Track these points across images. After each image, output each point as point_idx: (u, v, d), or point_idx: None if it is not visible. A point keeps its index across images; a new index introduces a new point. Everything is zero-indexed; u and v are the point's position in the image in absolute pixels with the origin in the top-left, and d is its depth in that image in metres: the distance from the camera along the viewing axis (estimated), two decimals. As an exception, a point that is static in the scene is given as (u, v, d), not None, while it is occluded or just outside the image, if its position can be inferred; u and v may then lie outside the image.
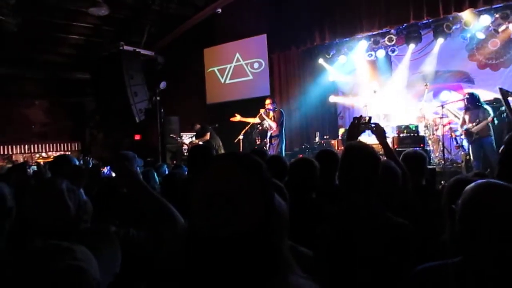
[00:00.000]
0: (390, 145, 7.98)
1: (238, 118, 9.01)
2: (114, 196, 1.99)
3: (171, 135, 9.72)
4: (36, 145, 10.85)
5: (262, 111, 8.52)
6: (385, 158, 2.84)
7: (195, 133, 9.95)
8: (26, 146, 10.35)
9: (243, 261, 0.98)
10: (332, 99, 11.15)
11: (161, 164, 5.76)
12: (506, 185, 1.39)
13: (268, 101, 8.63)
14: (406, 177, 2.72)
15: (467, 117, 7.50)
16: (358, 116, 3.09)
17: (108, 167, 2.18)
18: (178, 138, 9.93)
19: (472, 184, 1.43)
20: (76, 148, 11.33)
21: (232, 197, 0.99)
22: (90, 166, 3.34)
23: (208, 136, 9.51)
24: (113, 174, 2.21)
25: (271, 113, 8.49)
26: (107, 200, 2.01)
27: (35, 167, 2.86)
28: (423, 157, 3.32)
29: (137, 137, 10.85)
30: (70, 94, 11.49)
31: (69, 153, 10.16)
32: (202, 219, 1.00)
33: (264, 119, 8.53)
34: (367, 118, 3.07)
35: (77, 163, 3.52)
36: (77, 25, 10.06)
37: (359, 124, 3.04)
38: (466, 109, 7.57)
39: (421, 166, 3.22)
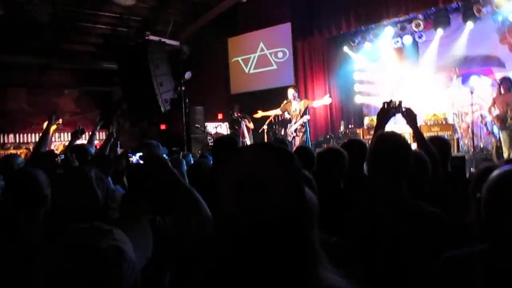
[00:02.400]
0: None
1: (260, 114, 9.02)
2: (143, 183, 2.03)
3: (196, 125, 9.79)
4: (66, 134, 11.11)
5: (287, 102, 8.49)
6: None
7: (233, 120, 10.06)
8: (57, 135, 10.59)
9: (273, 250, 0.96)
10: (358, 99, 11.03)
11: (186, 154, 5.83)
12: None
13: (292, 91, 8.57)
14: (436, 164, 2.68)
15: (499, 102, 7.27)
16: (388, 101, 3.04)
17: (137, 155, 2.22)
18: (203, 129, 10.01)
19: (498, 170, 1.41)
20: (104, 137, 11.55)
21: (264, 182, 0.96)
22: (118, 154, 3.41)
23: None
24: (141, 162, 2.24)
25: (297, 103, 8.43)
26: (136, 188, 2.05)
27: (62, 156, 2.90)
28: (446, 143, 3.26)
29: (162, 126, 10.98)
30: (98, 83, 11.71)
31: (97, 142, 10.38)
32: (233, 205, 0.98)
33: (288, 110, 8.50)
34: (397, 102, 2.99)
35: (93, 152, 3.59)
36: (103, 15, 10.19)
37: (389, 109, 2.99)
38: (499, 93, 7.33)
39: (445, 152, 3.15)
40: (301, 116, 8.31)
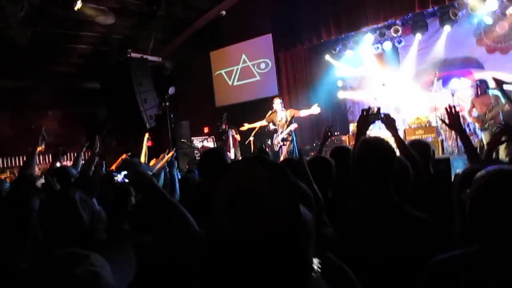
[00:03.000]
0: (402, 136, 7.99)
1: (246, 127, 9.02)
2: (128, 202, 2.02)
3: (182, 140, 9.77)
4: (51, 156, 10.99)
5: (272, 112, 8.52)
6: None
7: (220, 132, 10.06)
8: (41, 157, 10.46)
9: (267, 267, 0.92)
10: (341, 94, 11.12)
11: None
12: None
13: (278, 101, 8.59)
14: (418, 168, 2.70)
15: (477, 104, 7.43)
16: (366, 108, 3.07)
17: (122, 174, 2.19)
18: (189, 143, 9.99)
19: (483, 171, 1.42)
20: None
21: (259, 197, 0.92)
22: (103, 173, 3.38)
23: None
24: (126, 181, 2.22)
25: (284, 112, 8.45)
26: (122, 207, 2.04)
27: (43, 180, 2.82)
28: (427, 146, 3.29)
29: (149, 143, 10.91)
30: (81, 103, 11.61)
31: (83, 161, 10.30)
32: (227, 220, 0.93)
33: (273, 121, 8.52)
34: (375, 109, 3.03)
35: (73, 172, 3.53)
36: (84, 35, 10.17)
37: (368, 116, 3.02)
38: (477, 95, 7.49)
39: (426, 155, 3.18)
40: (288, 125, 8.34)
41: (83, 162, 4.29)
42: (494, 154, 6.10)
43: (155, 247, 1.60)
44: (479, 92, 7.45)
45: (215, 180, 1.01)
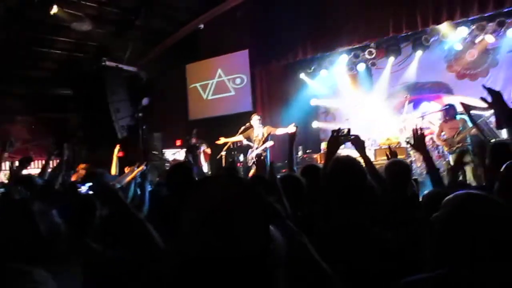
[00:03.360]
0: (373, 157, 8.11)
1: (222, 141, 8.96)
2: (92, 215, 1.96)
3: (154, 152, 9.65)
4: (18, 163, 10.67)
5: (248, 127, 8.50)
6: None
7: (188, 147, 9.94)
8: (8, 164, 10.15)
9: (237, 285, 0.91)
10: (314, 102, 11.23)
11: (143, 181, 5.70)
12: (485, 195, 1.41)
13: (257, 117, 8.59)
14: (385, 190, 2.73)
15: (446, 128, 7.63)
16: (336, 129, 3.09)
17: (86, 185, 2.12)
18: (161, 155, 9.87)
19: (452, 195, 1.44)
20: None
21: (230, 215, 0.92)
22: (68, 184, 3.28)
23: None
24: (91, 193, 2.16)
25: (261, 129, 8.46)
26: (85, 220, 1.98)
27: (2, 189, 2.72)
28: (406, 167, 3.33)
29: (120, 154, 10.72)
30: (52, 110, 11.35)
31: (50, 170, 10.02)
32: (197, 238, 0.93)
33: (250, 136, 8.50)
34: (345, 130, 3.06)
35: (39, 182, 3.41)
36: (59, 40, 10.00)
37: (338, 137, 3.05)
38: (445, 120, 7.69)
39: (404, 177, 3.22)
40: (264, 142, 8.35)
41: (50, 170, 4.16)
42: (461, 176, 6.27)
43: (118, 262, 1.56)
44: (447, 117, 7.65)
45: (183, 196, 1.00)
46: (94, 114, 9.70)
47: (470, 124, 7.32)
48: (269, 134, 8.43)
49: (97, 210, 1.98)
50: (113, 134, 9.44)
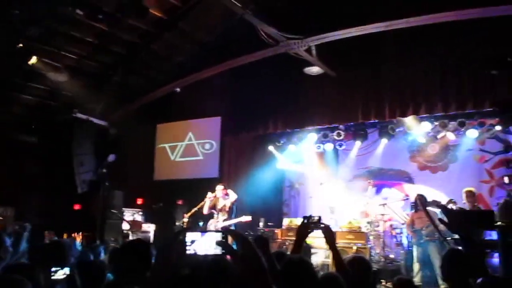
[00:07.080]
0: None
1: (192, 211, 8.74)
2: None
3: (112, 210, 9.36)
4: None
5: (210, 195, 8.46)
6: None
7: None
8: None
9: None
10: (280, 165, 11.30)
11: (98, 245, 5.53)
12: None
13: (220, 187, 8.58)
14: (352, 283, 2.72)
15: (416, 219, 7.66)
16: (307, 215, 3.08)
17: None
18: (120, 214, 9.60)
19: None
20: (8, 214, 10.62)
21: None
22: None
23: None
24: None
25: (223, 201, 8.42)
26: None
27: None
28: (367, 265, 3.35)
29: (76, 206, 10.39)
30: (10, 155, 10.94)
31: (1, 218, 9.49)
32: None
33: (215, 205, 8.45)
34: (316, 218, 3.04)
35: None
36: (32, 86, 9.87)
37: (308, 224, 3.05)
38: (415, 210, 7.66)
39: (365, 274, 3.23)
40: (229, 212, 8.30)
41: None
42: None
43: None
44: (418, 207, 7.59)
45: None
46: (56, 164, 9.46)
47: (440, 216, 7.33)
48: (233, 203, 8.43)
49: None
50: (73, 187, 9.18)
